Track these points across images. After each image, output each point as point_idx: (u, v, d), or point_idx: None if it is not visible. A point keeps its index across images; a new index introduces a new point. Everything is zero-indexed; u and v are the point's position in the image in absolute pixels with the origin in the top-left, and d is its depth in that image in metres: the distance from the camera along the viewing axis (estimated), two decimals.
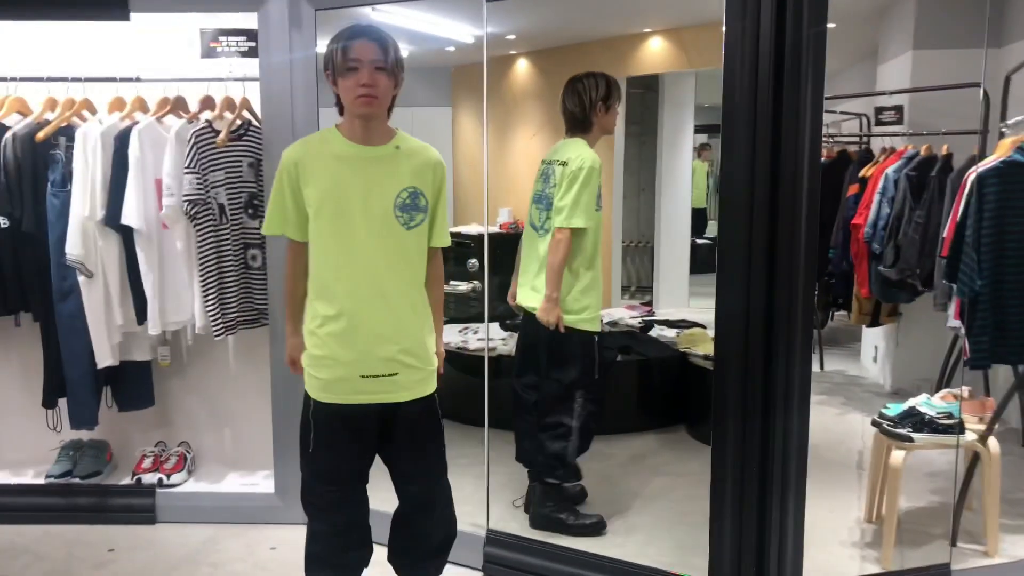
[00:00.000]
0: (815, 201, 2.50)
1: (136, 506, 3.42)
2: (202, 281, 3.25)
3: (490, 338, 4.92)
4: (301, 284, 2.33)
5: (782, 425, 2.54)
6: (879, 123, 4.61)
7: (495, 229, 7.62)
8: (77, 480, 3.50)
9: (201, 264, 3.25)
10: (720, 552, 2.63)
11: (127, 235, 3.25)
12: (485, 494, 3.15)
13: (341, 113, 2.29)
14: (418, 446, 2.37)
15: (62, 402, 3.40)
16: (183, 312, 3.34)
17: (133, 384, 3.53)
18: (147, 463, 3.56)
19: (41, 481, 3.53)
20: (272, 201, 2.31)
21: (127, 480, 3.54)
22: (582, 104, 3.17)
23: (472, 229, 7.67)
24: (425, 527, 2.45)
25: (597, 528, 3.21)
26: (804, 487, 2.58)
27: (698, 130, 7.58)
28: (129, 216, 3.18)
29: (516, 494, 3.62)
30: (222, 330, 3.31)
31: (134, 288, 3.29)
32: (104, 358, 3.28)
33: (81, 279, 3.22)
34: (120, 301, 3.28)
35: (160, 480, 3.49)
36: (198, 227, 3.22)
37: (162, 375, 3.68)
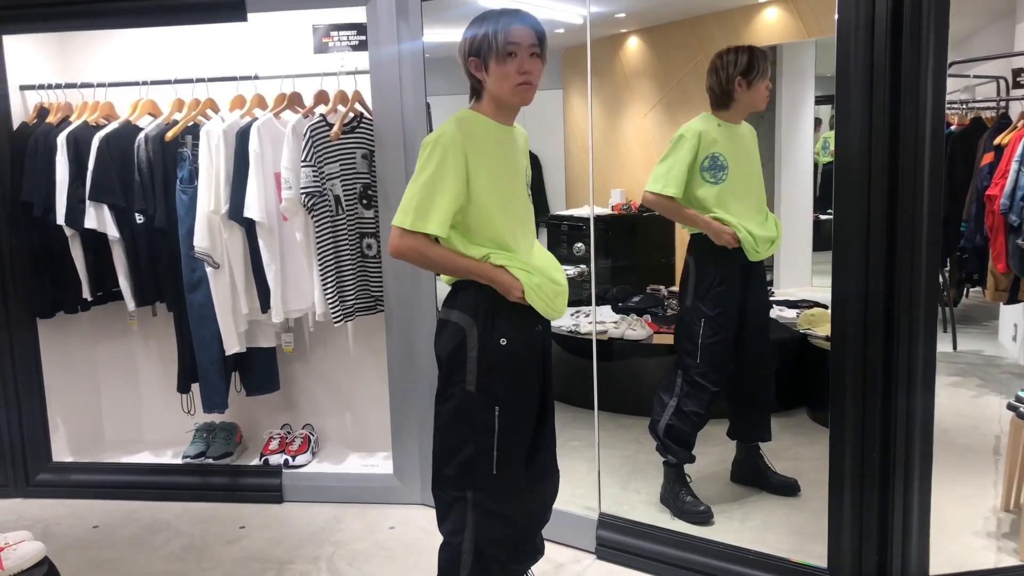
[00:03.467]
0: (938, 172, 2.37)
1: (264, 486, 3.60)
2: (321, 270, 3.37)
3: (600, 321, 4.92)
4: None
5: (904, 407, 2.43)
6: (1017, 86, 4.32)
7: (606, 211, 7.56)
8: (210, 461, 3.70)
9: (319, 254, 3.36)
10: (839, 539, 2.54)
11: (250, 228, 3.40)
12: (596, 477, 3.14)
13: (474, 97, 2.26)
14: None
15: (195, 387, 3.60)
16: (304, 300, 3.47)
17: (259, 370, 3.70)
18: (274, 445, 3.73)
19: (178, 461, 3.75)
20: (434, 191, 2.13)
21: (256, 461, 3.72)
22: (719, 79, 3.13)
23: (584, 211, 7.64)
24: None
25: (703, 518, 3.16)
26: (930, 471, 2.46)
27: (819, 101, 7.28)
28: (251, 209, 3.32)
29: (628, 476, 3.61)
30: (340, 317, 3.43)
31: (257, 278, 3.44)
32: (232, 345, 3.46)
33: (209, 270, 3.39)
34: (245, 290, 3.44)
35: (286, 461, 3.65)
36: (315, 218, 3.34)
37: (286, 361, 3.85)
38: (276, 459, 3.67)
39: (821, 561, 2.60)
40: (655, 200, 3.16)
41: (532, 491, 2.44)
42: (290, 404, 3.94)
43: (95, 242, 3.51)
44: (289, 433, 3.81)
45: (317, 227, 3.35)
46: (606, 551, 3.00)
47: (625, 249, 7.27)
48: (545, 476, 2.48)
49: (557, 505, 3.13)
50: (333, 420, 3.91)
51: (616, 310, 5.18)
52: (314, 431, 3.86)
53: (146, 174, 3.41)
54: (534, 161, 8.67)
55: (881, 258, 2.40)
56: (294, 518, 3.46)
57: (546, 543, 3.05)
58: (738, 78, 3.08)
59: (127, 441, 4.05)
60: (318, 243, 3.36)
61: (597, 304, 5.63)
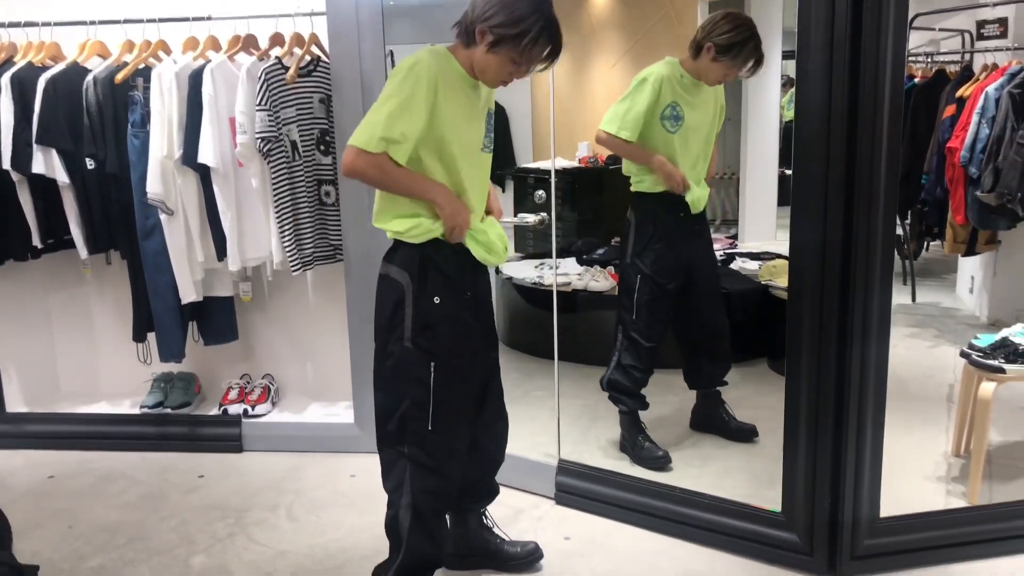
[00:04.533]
0: (897, 124, 2.36)
1: (223, 435, 3.57)
2: (278, 218, 3.31)
3: (564, 272, 4.91)
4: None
5: (859, 355, 2.44)
6: (981, 38, 4.32)
7: (572, 164, 7.52)
8: (168, 411, 3.66)
9: (276, 201, 3.30)
10: (793, 484, 2.57)
11: (204, 174, 3.33)
12: (556, 425, 3.15)
13: (461, 42, 2.18)
14: None
15: (151, 336, 3.54)
16: (261, 248, 3.42)
17: (217, 319, 3.65)
18: (233, 395, 3.70)
19: (136, 411, 3.70)
20: (401, 117, 2.05)
21: (215, 411, 3.68)
22: (704, 31, 3.06)
23: (556, 163, 7.58)
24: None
25: (661, 463, 3.20)
26: (882, 418, 2.49)
27: (786, 56, 7.26)
28: (205, 155, 3.24)
29: (589, 424, 3.63)
30: (299, 265, 3.38)
31: (213, 225, 3.37)
32: (188, 294, 3.40)
33: (163, 217, 3.32)
34: (200, 238, 3.38)
35: (245, 411, 3.62)
36: (272, 164, 3.27)
37: (245, 310, 3.80)
38: (235, 409, 3.64)
39: (776, 506, 2.64)
40: (607, 140, 3.14)
41: (485, 436, 2.46)
42: (249, 354, 3.90)
43: (44, 188, 3.42)
44: (249, 383, 3.77)
45: (274, 173, 3.28)
46: (565, 496, 3.03)
47: (591, 202, 7.25)
48: (496, 420, 2.52)
49: (518, 452, 3.17)
50: (293, 370, 3.88)
51: (580, 262, 5.18)
52: (274, 381, 3.82)
53: (95, 118, 3.31)
54: (500, 113, 8.58)
55: (839, 210, 2.39)
56: (254, 467, 3.44)
57: (507, 490, 3.09)
58: (712, 45, 3.02)
59: (83, 392, 3.99)
60: (275, 190, 3.29)
61: (562, 256, 5.63)
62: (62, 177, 3.35)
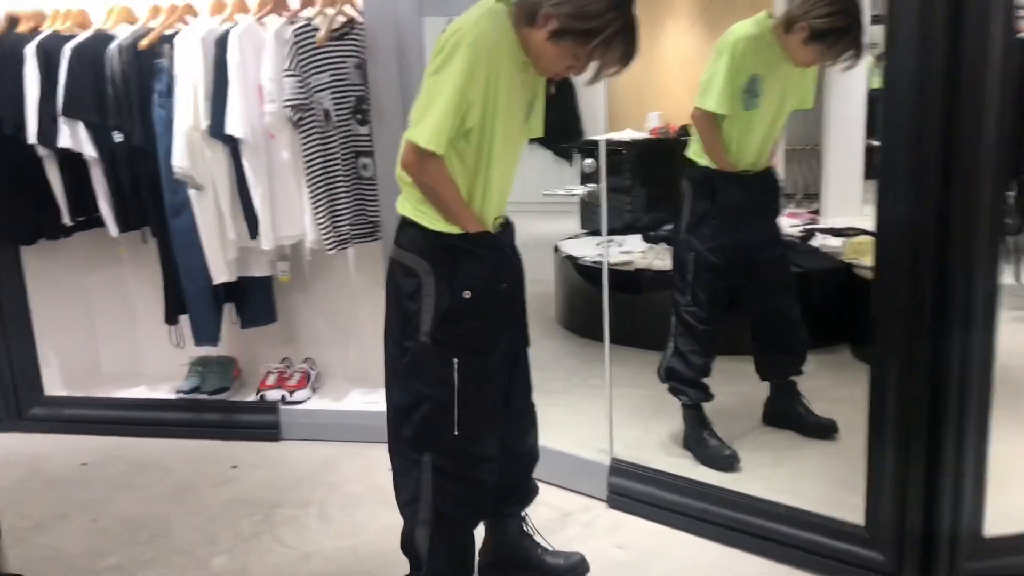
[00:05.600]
0: (1005, 84, 1.98)
1: (260, 423, 3.39)
2: (311, 193, 3.09)
3: (628, 250, 4.59)
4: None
5: (960, 345, 2.08)
6: None
7: (643, 135, 7.15)
8: (204, 396, 3.49)
9: (309, 174, 3.07)
10: (879, 494, 2.23)
11: (234, 146, 3.11)
12: (608, 419, 2.86)
13: (522, 19, 1.90)
14: None
15: (184, 319, 3.37)
16: (295, 226, 3.20)
17: (254, 300, 3.45)
18: (271, 380, 3.51)
19: (172, 396, 3.55)
20: (455, 102, 1.82)
21: (253, 397, 3.50)
22: (803, 6, 2.67)
23: (625, 135, 7.25)
24: None
25: (728, 463, 2.88)
26: (987, 418, 2.13)
27: (875, 20, 6.76)
28: (233, 125, 3.03)
29: (649, 417, 3.33)
30: (335, 244, 3.15)
31: (244, 202, 3.17)
32: (220, 274, 3.21)
33: (192, 193, 3.12)
34: (232, 215, 3.17)
35: (283, 397, 3.43)
36: (303, 135, 3.04)
37: (284, 291, 3.60)
38: (273, 395, 3.45)
39: (858, 517, 2.30)
40: (700, 118, 2.83)
41: (512, 434, 2.21)
42: (290, 337, 3.70)
43: (72, 163, 3.26)
44: (288, 368, 3.58)
45: (305, 145, 3.05)
46: (618, 499, 2.73)
47: (661, 176, 6.87)
48: (522, 416, 2.25)
49: (568, 448, 2.90)
50: (335, 353, 3.67)
51: (646, 239, 4.84)
52: (315, 365, 3.62)
53: (120, 88, 3.12)
54: (567, 83, 8.20)
55: (936, 180, 2.03)
56: (290, 458, 3.25)
57: (555, 490, 2.82)
58: (807, 26, 2.63)
59: (124, 374, 3.87)
60: (307, 163, 3.06)
61: (628, 233, 5.29)
62: (89, 151, 3.19)
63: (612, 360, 2.92)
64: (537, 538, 2.36)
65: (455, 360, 1.94)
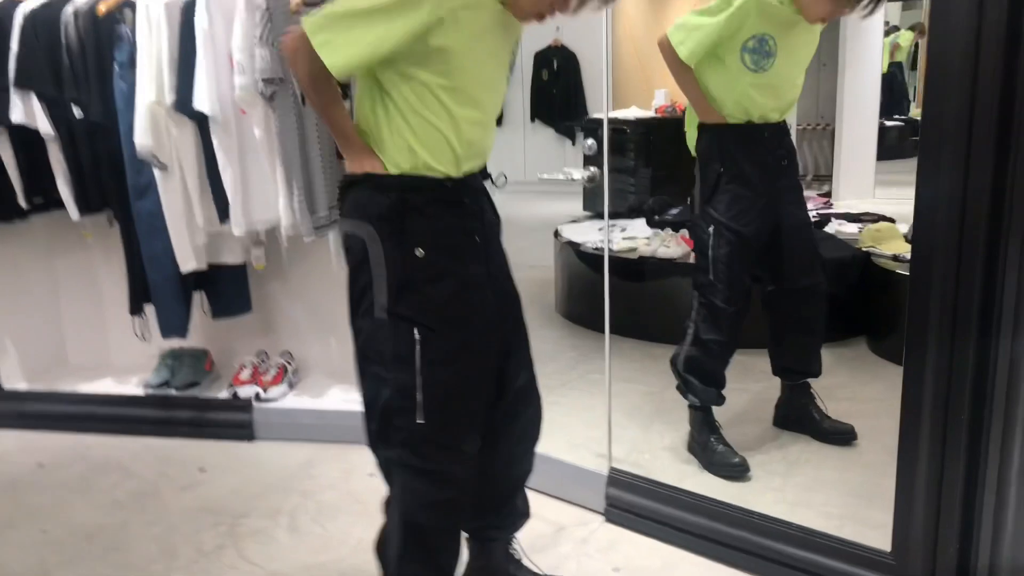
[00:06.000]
0: None
1: (232, 421, 3.15)
2: (286, 174, 2.83)
3: (631, 236, 4.33)
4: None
5: (1008, 348, 1.82)
6: None
7: (648, 113, 6.87)
8: (174, 391, 3.25)
9: (284, 154, 2.82)
10: (908, 515, 1.98)
11: (202, 123, 2.86)
12: (607, 423, 2.61)
13: None
14: None
15: (150, 308, 3.13)
16: (270, 210, 2.94)
17: (227, 289, 3.21)
18: (245, 375, 3.26)
19: (140, 391, 3.31)
20: (374, 19, 1.60)
21: (225, 393, 3.26)
22: None
23: (630, 113, 6.98)
24: None
25: (737, 472, 2.63)
26: None
27: None
28: (201, 100, 2.77)
29: (652, 416, 3.09)
30: (312, 230, 2.90)
31: (214, 183, 2.91)
32: (187, 261, 2.96)
33: (157, 173, 2.87)
34: (200, 198, 2.92)
35: (257, 394, 3.18)
36: (277, 111, 2.78)
37: (260, 279, 3.35)
38: (246, 391, 3.20)
39: (882, 539, 2.05)
40: (666, 49, 2.60)
41: (505, 435, 1.94)
42: (267, 328, 3.46)
43: (28, 140, 3.00)
44: (264, 361, 3.33)
45: (280, 122, 2.79)
46: (617, 513, 2.49)
47: (667, 157, 6.61)
48: (518, 412, 1.96)
49: (564, 454, 2.66)
50: (315, 347, 3.42)
51: (651, 224, 4.58)
52: (292, 359, 3.37)
53: (77, 57, 2.86)
54: (570, 59, 7.92)
55: (989, 153, 1.76)
56: (262, 460, 3.01)
57: (548, 500, 2.58)
58: None
59: (91, 366, 3.62)
60: (282, 141, 2.80)
61: (632, 217, 5.03)
62: (45, 127, 2.93)
63: (613, 353, 2.66)
64: (525, 562, 2.12)
65: (415, 332, 1.68)
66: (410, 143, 1.68)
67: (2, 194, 3.09)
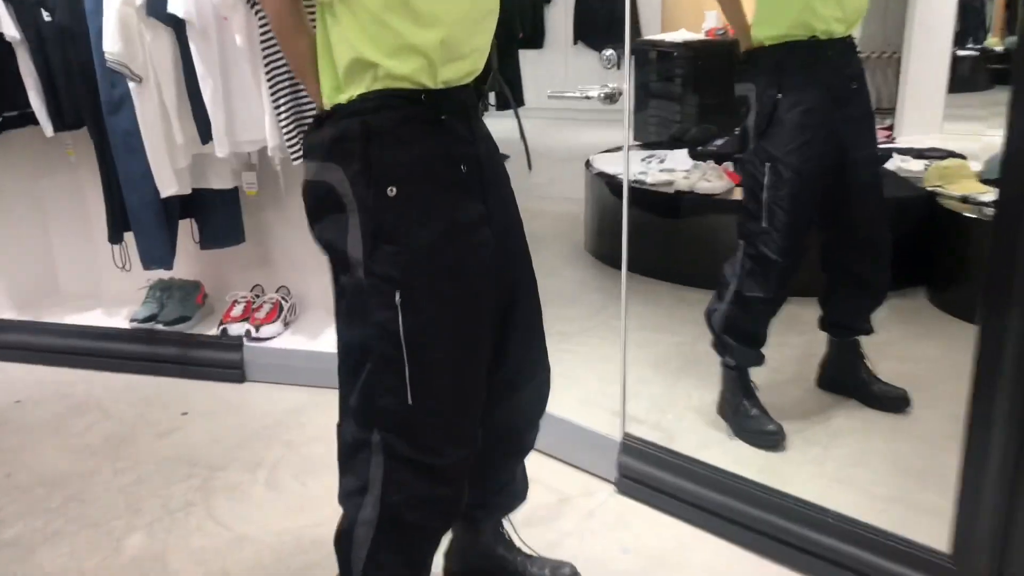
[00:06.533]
0: None
1: (221, 361, 2.91)
2: (272, 89, 2.51)
3: (669, 168, 3.95)
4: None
5: None
6: None
7: (698, 36, 6.39)
8: (161, 326, 3.02)
9: (269, 66, 2.49)
10: (973, 511, 1.65)
11: (180, 29, 2.54)
12: (621, 382, 2.30)
13: None
14: None
15: (130, 237, 2.87)
16: (255, 130, 2.63)
17: (216, 217, 2.94)
18: (236, 311, 3.01)
19: (127, 325, 3.08)
20: None
21: (215, 330, 3.01)
22: None
23: (678, 36, 6.48)
24: None
25: (771, 441, 2.32)
26: None
27: None
28: (175, 3, 2.45)
29: (680, 371, 2.77)
30: (300, 152, 2.59)
31: (194, 99, 2.61)
32: (167, 185, 2.68)
33: (132, 86, 2.58)
34: (179, 114, 2.63)
35: (248, 332, 2.93)
36: (262, 17, 2.45)
37: (255, 207, 3.07)
38: (237, 329, 2.95)
39: (937, 522, 1.72)
40: None
41: (505, 405, 1.62)
42: (265, 260, 3.19)
43: None
44: (258, 297, 3.07)
45: (264, 29, 2.46)
46: (629, 484, 2.20)
47: (716, 83, 6.14)
48: (524, 380, 1.64)
49: (573, 414, 2.36)
50: (314, 282, 3.14)
51: (694, 156, 4.19)
52: (290, 295, 3.11)
53: None
54: None
55: None
56: (249, 405, 2.77)
57: (553, 463, 2.31)
58: None
59: (81, 295, 3.41)
60: (266, 51, 2.48)
61: (673, 148, 4.64)
62: (10, 30, 2.64)
63: (642, 296, 2.33)
64: (518, 541, 1.84)
65: (396, 295, 1.37)
66: (360, 51, 1.34)
67: None
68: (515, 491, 1.77)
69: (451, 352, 1.42)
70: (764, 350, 2.41)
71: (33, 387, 2.93)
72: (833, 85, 2.24)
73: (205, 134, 2.64)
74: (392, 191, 1.35)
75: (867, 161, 2.34)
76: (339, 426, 1.54)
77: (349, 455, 1.52)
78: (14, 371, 3.05)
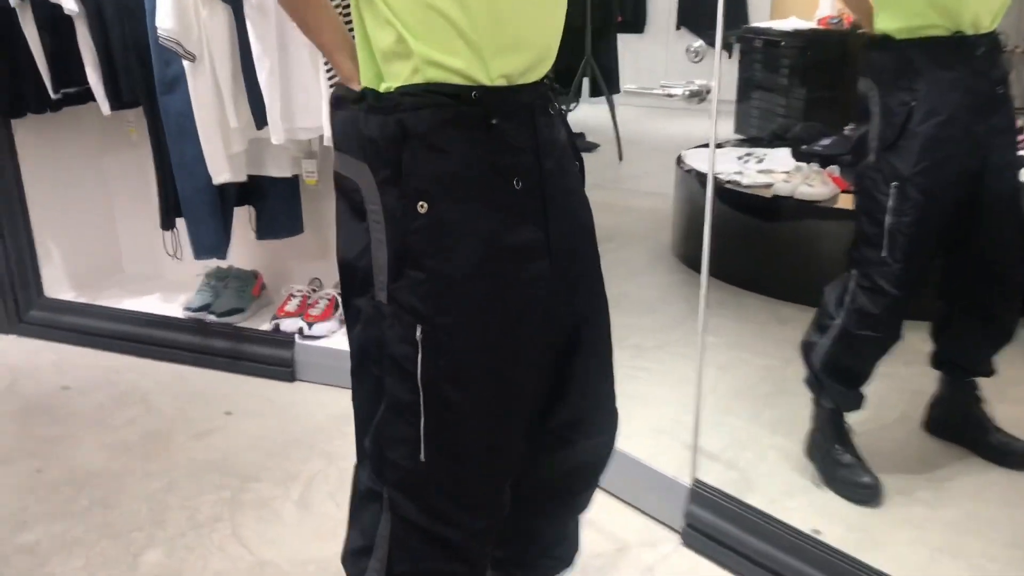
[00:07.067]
0: None
1: (271, 358, 2.75)
2: (330, 74, 2.32)
3: (767, 169, 3.63)
4: None
5: None
6: None
7: (809, 24, 5.97)
8: (213, 317, 2.88)
9: None
10: None
11: (237, 4, 2.37)
12: (694, 416, 2.03)
13: None
14: None
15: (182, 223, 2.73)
16: (313, 116, 2.45)
17: (274, 206, 2.79)
18: (291, 306, 2.85)
19: (180, 315, 2.96)
20: None
21: (268, 325, 2.86)
22: None
23: (787, 24, 6.07)
24: None
25: (866, 494, 2.02)
26: None
27: None
28: None
29: (766, 400, 2.48)
30: None
31: (250, 80, 2.44)
32: (220, 171, 2.53)
33: (185, 65, 2.43)
34: (233, 96, 2.46)
35: (301, 329, 2.77)
36: None
37: (315, 196, 2.90)
38: (290, 325, 2.79)
39: None
40: None
41: (545, 461, 1.36)
42: (325, 252, 3.01)
43: (54, 19, 2.61)
44: (315, 292, 2.91)
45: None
46: (697, 537, 1.93)
47: (828, 77, 5.71)
48: (577, 438, 1.36)
49: (639, 448, 2.11)
50: None
51: (797, 156, 3.84)
52: None
53: None
54: None
55: None
56: (295, 407, 2.61)
57: (610, 501, 2.06)
58: None
59: (146, 277, 3.33)
60: None
61: (775, 145, 4.28)
62: (69, 3, 2.52)
63: (730, 309, 2.06)
64: None
65: (418, 331, 1.14)
66: (396, 32, 1.12)
67: (35, 81, 2.72)
68: (562, 554, 1.52)
69: (478, 405, 1.18)
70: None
71: (83, 372, 2.84)
72: (977, 91, 1.88)
73: (260, 119, 2.47)
74: (423, 207, 1.12)
75: (1007, 177, 1.99)
76: (356, 467, 1.34)
77: (360, 506, 1.31)
78: (68, 353, 2.97)
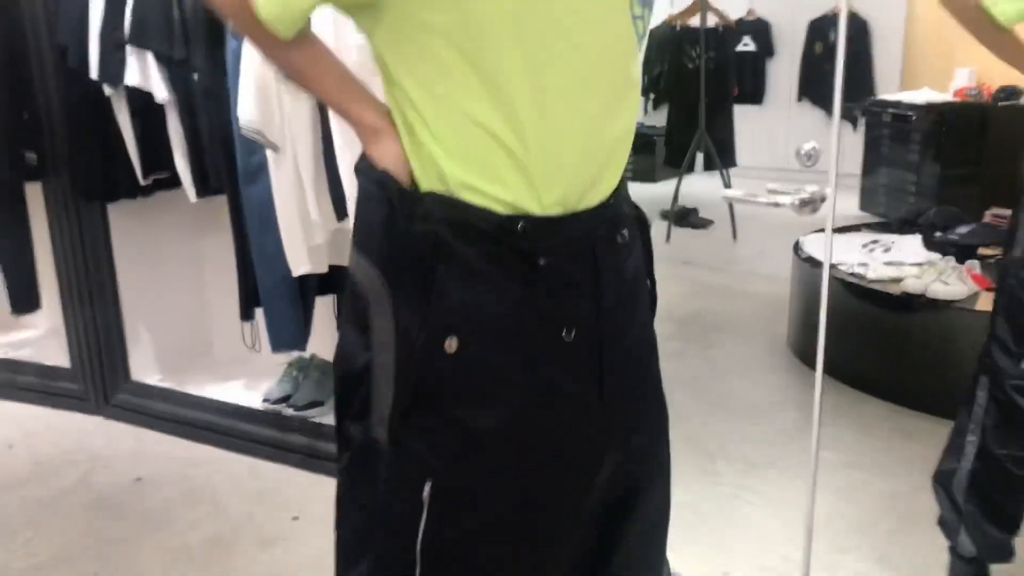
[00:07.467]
0: None
1: None
2: None
3: (896, 261, 3.29)
4: None
5: None
6: None
7: (944, 97, 5.61)
8: (291, 411, 2.76)
9: None
10: None
11: None
12: (803, 557, 1.74)
13: None
14: None
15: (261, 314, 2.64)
16: None
17: None
18: None
19: (258, 406, 2.86)
20: None
21: None
22: None
23: (919, 96, 5.72)
24: None
25: None
26: None
27: None
28: None
29: (892, 533, 2.15)
30: None
31: (330, 170, 2.34)
32: (299, 263, 2.42)
33: (270, 155, 2.35)
34: (315, 187, 2.36)
35: None
36: None
37: None
38: None
39: None
40: (970, 10, 1.63)
41: None
42: None
43: (145, 107, 2.60)
44: None
45: None
46: None
47: (965, 153, 5.31)
48: None
49: None
50: None
51: (929, 244, 3.50)
52: None
53: (189, 10, 2.39)
54: (861, 26, 6.62)
55: None
56: None
57: None
58: None
59: (236, 361, 3.25)
60: None
61: (904, 232, 3.92)
62: (160, 91, 2.50)
63: (852, 418, 1.81)
64: None
65: (426, 487, 0.97)
66: (431, 151, 0.95)
67: (125, 167, 2.72)
68: None
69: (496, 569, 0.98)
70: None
71: (159, 463, 2.75)
72: None
73: (341, 211, 2.36)
74: (452, 346, 0.94)
75: None
76: None
77: None
78: (148, 440, 2.91)
